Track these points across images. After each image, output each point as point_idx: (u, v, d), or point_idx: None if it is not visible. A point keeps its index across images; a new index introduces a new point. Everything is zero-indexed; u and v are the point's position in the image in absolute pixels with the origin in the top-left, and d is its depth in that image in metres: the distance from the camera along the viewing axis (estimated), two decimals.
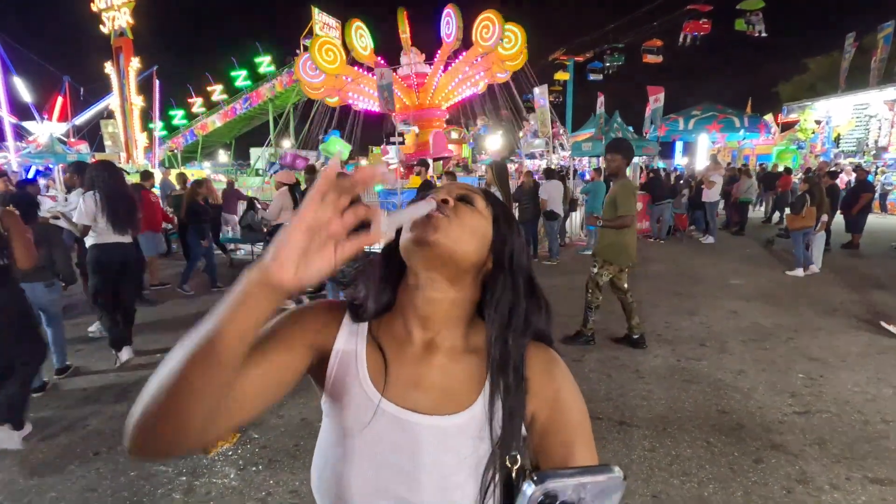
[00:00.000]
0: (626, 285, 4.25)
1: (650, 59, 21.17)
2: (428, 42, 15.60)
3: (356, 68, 14.09)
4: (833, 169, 10.66)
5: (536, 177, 9.17)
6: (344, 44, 12.65)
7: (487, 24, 13.18)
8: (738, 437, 2.86)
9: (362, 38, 13.18)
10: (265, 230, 6.32)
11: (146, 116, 21.80)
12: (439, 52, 14.43)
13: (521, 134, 20.76)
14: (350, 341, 0.68)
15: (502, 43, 13.39)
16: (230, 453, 2.74)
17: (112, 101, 20.34)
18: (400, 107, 14.26)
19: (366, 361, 0.67)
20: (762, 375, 3.70)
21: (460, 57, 14.31)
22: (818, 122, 18.61)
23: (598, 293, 4.25)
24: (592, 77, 23.81)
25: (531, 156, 18.77)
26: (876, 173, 14.24)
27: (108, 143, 18.36)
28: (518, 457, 0.62)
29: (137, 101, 20.24)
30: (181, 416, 0.49)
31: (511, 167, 14.54)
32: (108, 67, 20.11)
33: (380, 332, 0.69)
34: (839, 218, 9.16)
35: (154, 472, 2.58)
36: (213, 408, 0.51)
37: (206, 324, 0.49)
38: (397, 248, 0.66)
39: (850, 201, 8.89)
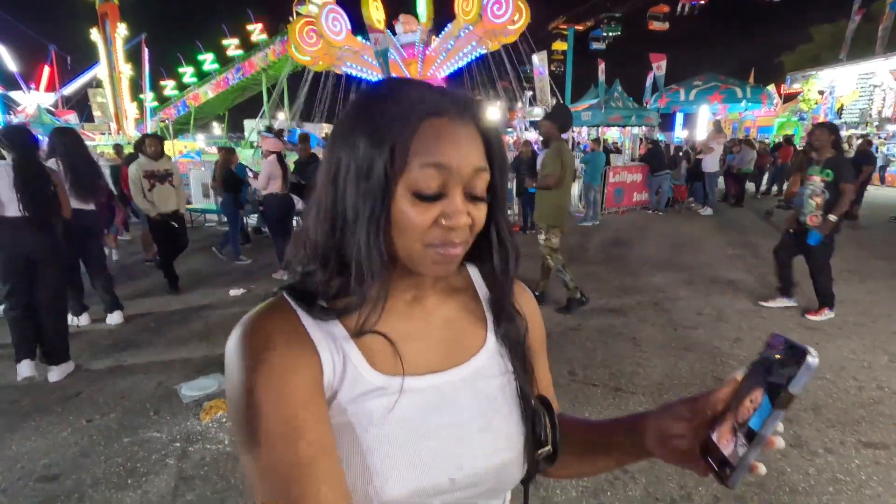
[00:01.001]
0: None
1: (656, 25, 20.65)
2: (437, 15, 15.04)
3: (360, 39, 13.68)
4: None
5: (536, 147, 9.02)
6: (349, 14, 12.24)
7: (499, 1, 12.86)
8: None
9: (378, 11, 12.75)
10: (257, 201, 6.22)
11: (136, 87, 21.29)
12: (450, 25, 13.92)
13: (518, 105, 20.39)
14: (329, 341, 0.54)
15: (513, 21, 13.03)
16: (224, 420, 2.73)
17: (100, 70, 19.80)
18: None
19: (360, 355, 0.55)
20: (758, 344, 3.69)
21: (469, 28, 13.83)
22: (821, 93, 18.30)
23: (557, 255, 4.35)
24: (595, 46, 23.24)
25: (534, 124, 18.51)
26: (878, 146, 14.09)
27: (97, 113, 17.99)
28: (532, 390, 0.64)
29: (126, 70, 19.72)
30: None
31: (509, 139, 14.32)
32: (95, 35, 19.51)
33: (356, 316, 0.55)
34: None
35: (148, 438, 2.57)
36: None
37: None
38: (380, 224, 0.51)
39: None
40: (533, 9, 12.49)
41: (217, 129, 32.69)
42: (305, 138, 6.25)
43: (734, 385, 0.48)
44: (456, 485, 0.55)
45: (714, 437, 0.47)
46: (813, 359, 0.42)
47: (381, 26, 12.45)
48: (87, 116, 19.83)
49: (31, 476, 2.29)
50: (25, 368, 3.16)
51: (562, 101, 20.88)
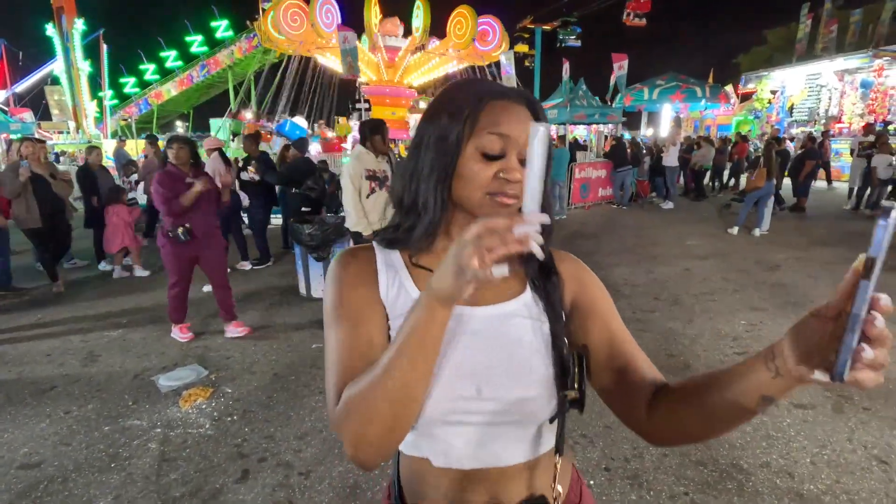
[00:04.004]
0: None
1: (634, 22, 21.13)
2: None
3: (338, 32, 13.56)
4: (783, 136, 11.18)
5: None
6: (342, 9, 12.17)
7: (487, 30, 13.17)
8: (683, 376, 3.11)
9: (377, 17, 12.77)
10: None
11: (95, 84, 20.56)
12: (438, 42, 14.08)
13: None
14: (392, 277, 0.73)
15: (477, 45, 13.32)
16: (204, 406, 2.81)
17: (56, 67, 19.04)
18: (376, 79, 13.91)
19: (411, 280, 0.72)
20: (709, 324, 3.99)
21: (435, 43, 14.02)
22: (773, 93, 19.25)
23: None
24: (571, 43, 23.52)
25: None
26: (823, 142, 14.97)
27: (54, 111, 17.31)
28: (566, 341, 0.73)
29: (84, 67, 19.01)
30: (408, 422, 0.62)
31: None
32: (50, 29, 18.75)
33: (418, 256, 0.74)
34: (788, 182, 9.69)
35: (129, 426, 2.63)
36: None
37: (404, 345, 0.58)
38: (450, 179, 0.68)
39: (797, 167, 9.38)
40: (501, 9, 12.77)
41: (181, 127, 31.82)
42: (256, 136, 6.21)
43: (855, 276, 0.42)
44: (483, 395, 0.66)
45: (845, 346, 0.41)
46: (892, 213, 0.37)
47: (376, 30, 12.47)
48: (42, 114, 19.04)
49: (11, 465, 2.33)
50: None
51: None
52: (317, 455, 2.37)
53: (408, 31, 13.56)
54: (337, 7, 11.04)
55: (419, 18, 12.86)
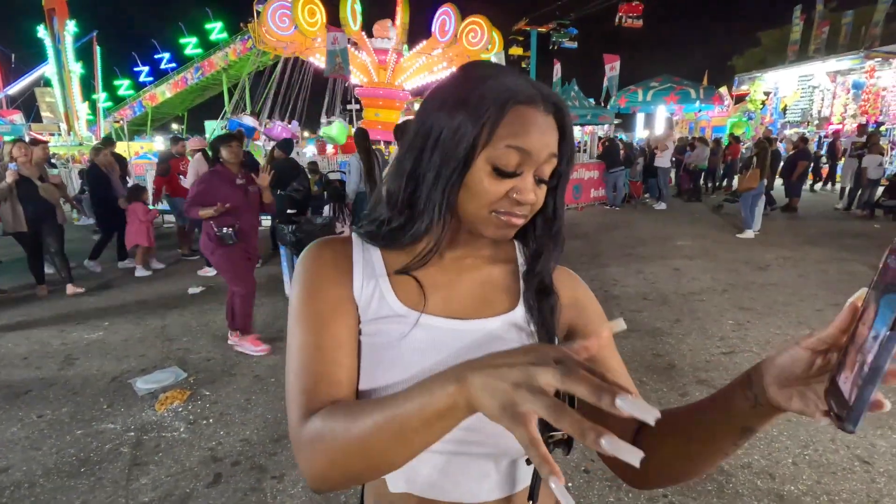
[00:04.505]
0: None
1: (630, 23, 21.21)
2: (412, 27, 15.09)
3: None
4: (773, 137, 11.23)
5: None
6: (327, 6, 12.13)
7: (475, 29, 13.12)
8: (669, 375, 3.08)
9: (355, 14, 12.71)
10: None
11: (88, 86, 20.46)
12: (425, 41, 14.06)
13: None
14: (368, 276, 0.65)
15: (465, 45, 13.29)
16: (180, 409, 2.76)
17: (47, 69, 18.94)
18: (367, 81, 13.89)
19: (390, 285, 0.64)
20: (696, 323, 3.96)
21: (439, 49, 14.02)
22: (767, 94, 19.31)
23: None
24: (566, 45, 23.56)
25: None
26: (819, 143, 15.03)
27: (45, 113, 17.21)
28: None
29: (76, 69, 18.92)
30: (379, 476, 0.53)
31: None
32: (42, 32, 18.66)
33: (399, 253, 0.65)
34: (780, 182, 9.71)
35: (101, 429, 2.58)
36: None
37: (402, 410, 0.46)
38: (456, 188, 0.59)
39: (789, 168, 9.40)
40: (495, 11, 12.78)
41: (176, 130, 31.71)
42: (240, 136, 6.15)
43: (853, 312, 0.40)
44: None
45: (840, 378, 0.39)
46: None
47: (356, 28, 12.44)
48: (34, 116, 18.94)
49: None
50: None
51: None
52: (291, 458, 2.32)
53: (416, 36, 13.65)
54: (320, 5, 11.00)
55: (399, 16, 12.90)
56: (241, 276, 3.41)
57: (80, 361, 3.42)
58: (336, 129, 12.53)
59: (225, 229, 3.23)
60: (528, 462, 0.63)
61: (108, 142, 6.77)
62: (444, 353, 0.60)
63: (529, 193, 0.58)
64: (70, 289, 4.92)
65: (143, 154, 15.54)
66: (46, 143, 6.23)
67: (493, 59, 11.13)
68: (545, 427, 0.57)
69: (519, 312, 0.65)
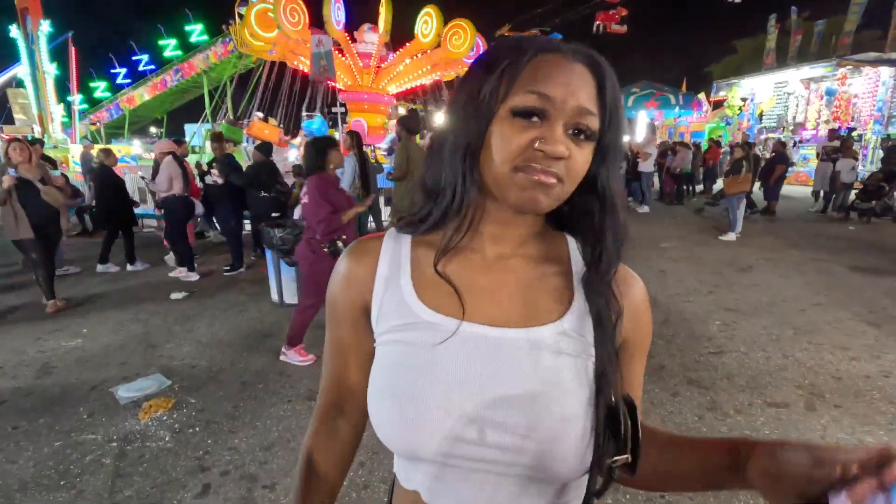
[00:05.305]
0: None
1: (614, 29, 21.51)
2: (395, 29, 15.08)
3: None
4: (752, 142, 11.52)
5: None
6: (310, 9, 12.02)
7: (458, 32, 13.11)
8: (659, 376, 3.10)
9: (339, 12, 12.59)
10: (155, 203, 6.05)
11: (63, 87, 19.92)
12: (408, 43, 14.02)
13: None
14: (392, 274, 0.60)
15: (470, 53, 13.32)
16: (165, 418, 2.67)
17: (20, 70, 18.40)
18: (351, 83, 13.80)
19: (413, 289, 0.58)
20: (684, 324, 4.00)
21: (427, 52, 14.00)
22: (744, 100, 19.81)
23: None
24: None
25: None
26: (794, 146, 15.46)
27: (18, 115, 16.71)
28: (618, 384, 0.55)
29: (51, 70, 18.42)
30: None
31: None
32: (14, 31, 18.12)
33: (430, 248, 0.59)
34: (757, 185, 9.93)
35: (81, 440, 2.48)
36: None
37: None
38: (477, 151, 0.54)
39: (767, 171, 9.63)
40: (478, 16, 12.83)
41: (155, 133, 31.09)
42: (220, 137, 6.04)
43: (881, 454, 0.39)
44: (487, 442, 0.52)
45: (838, 500, 0.38)
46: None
47: (340, 29, 12.36)
48: (6, 118, 18.37)
49: None
50: None
51: None
52: (283, 466, 2.26)
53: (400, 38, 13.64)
54: (303, 6, 10.90)
55: (382, 17, 12.89)
56: (324, 289, 3.32)
57: (58, 370, 3.29)
58: (317, 122, 12.45)
59: (339, 241, 3.04)
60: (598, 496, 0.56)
61: (107, 152, 6.53)
62: (479, 368, 0.54)
63: (558, 144, 0.49)
64: (51, 306, 4.40)
65: (121, 157, 15.19)
66: (41, 142, 5.93)
67: None
68: (609, 452, 0.53)
69: (570, 320, 0.56)
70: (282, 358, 3.34)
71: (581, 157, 0.52)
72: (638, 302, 0.61)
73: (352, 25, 13.75)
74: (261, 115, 14.68)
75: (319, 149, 3.15)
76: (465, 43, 13.03)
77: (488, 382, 0.53)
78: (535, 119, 0.50)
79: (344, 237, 3.08)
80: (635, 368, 0.62)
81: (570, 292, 0.58)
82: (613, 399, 0.53)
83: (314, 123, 12.35)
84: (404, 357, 0.56)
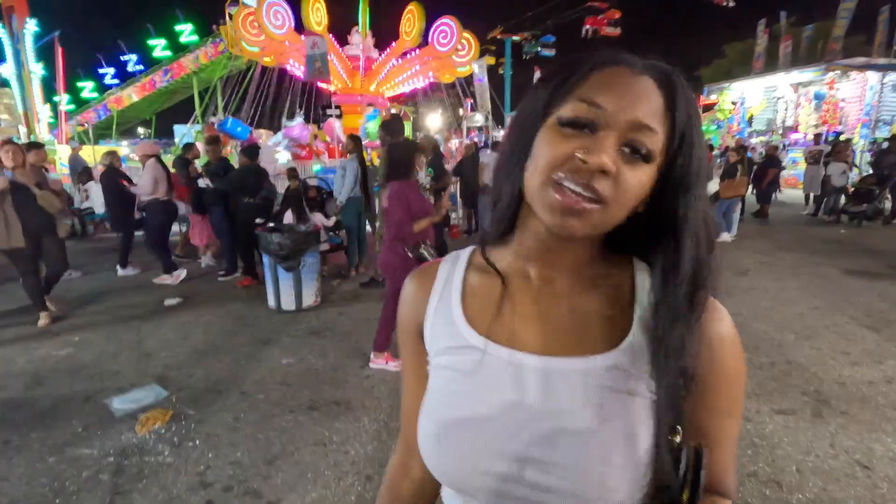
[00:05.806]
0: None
1: (607, 31, 21.60)
2: (380, 28, 15.00)
3: (302, 37, 13.28)
4: (746, 145, 11.62)
5: (482, 145, 9.19)
6: (294, 11, 11.90)
7: (445, 30, 13.06)
8: None
9: (318, 13, 12.50)
10: (138, 207, 5.87)
11: (49, 88, 19.59)
12: (395, 43, 13.98)
13: (460, 111, 20.70)
14: (444, 300, 0.60)
15: (458, 51, 13.25)
16: (163, 431, 2.59)
17: (5, 69, 18.06)
18: (342, 86, 13.71)
19: (460, 301, 0.58)
20: None
21: (415, 52, 13.95)
22: (734, 104, 20.03)
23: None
24: (544, 52, 23.82)
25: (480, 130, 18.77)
26: (784, 149, 15.65)
27: (3, 115, 16.39)
28: (679, 427, 0.49)
29: (37, 70, 18.10)
30: None
31: (453, 145, 14.53)
32: None
33: (486, 270, 0.59)
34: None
35: (77, 455, 2.40)
36: None
37: None
38: (522, 161, 0.51)
39: (759, 175, 9.71)
40: (472, 18, 12.80)
41: (143, 134, 30.72)
42: (216, 140, 5.94)
43: None
44: (527, 480, 0.49)
45: None
46: None
47: (321, 29, 12.27)
48: None
49: None
50: None
51: (500, 107, 21.47)
52: (288, 481, 2.20)
53: (386, 38, 13.58)
54: (287, 9, 10.77)
55: (360, 16, 12.86)
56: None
57: (49, 381, 3.19)
58: (230, 122, 12.27)
59: (423, 248, 2.95)
60: None
61: (113, 154, 6.41)
62: (517, 398, 0.51)
63: (601, 154, 0.44)
64: (43, 319, 4.15)
65: None
66: (43, 145, 5.73)
67: (475, 67, 11.15)
68: (657, 490, 0.49)
69: (630, 343, 0.51)
70: (372, 365, 3.27)
71: (634, 178, 0.46)
72: (719, 335, 0.53)
73: (341, 28, 13.70)
74: (215, 119, 14.42)
75: (405, 155, 3.04)
76: (451, 41, 12.92)
77: (531, 415, 0.50)
78: (585, 130, 0.46)
79: (427, 241, 3.03)
80: (714, 417, 0.53)
81: (627, 323, 0.53)
82: (677, 442, 0.48)
83: (228, 123, 11.91)
84: (450, 382, 0.56)
